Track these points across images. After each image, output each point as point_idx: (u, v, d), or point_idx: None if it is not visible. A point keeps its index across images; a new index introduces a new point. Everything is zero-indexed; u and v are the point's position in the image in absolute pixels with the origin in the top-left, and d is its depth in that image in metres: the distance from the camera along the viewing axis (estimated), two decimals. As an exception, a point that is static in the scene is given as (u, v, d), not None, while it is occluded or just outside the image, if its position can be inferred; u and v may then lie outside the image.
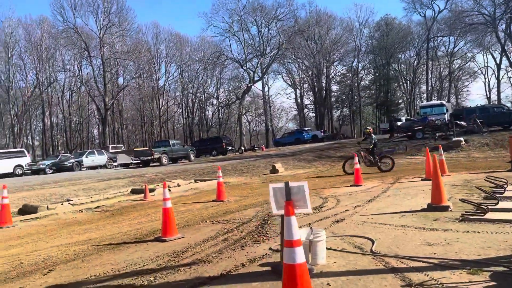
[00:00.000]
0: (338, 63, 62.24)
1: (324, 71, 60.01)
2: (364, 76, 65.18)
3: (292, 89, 64.91)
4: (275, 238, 5.42)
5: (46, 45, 49.70)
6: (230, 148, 34.28)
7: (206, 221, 7.13)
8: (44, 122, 56.70)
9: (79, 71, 53.87)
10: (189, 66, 60.56)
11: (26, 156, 27.84)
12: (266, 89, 54.79)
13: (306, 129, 44.81)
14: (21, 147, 39.55)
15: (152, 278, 4.14)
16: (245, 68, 45.90)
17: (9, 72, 48.27)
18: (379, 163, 13.54)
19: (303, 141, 39.90)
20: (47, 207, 9.70)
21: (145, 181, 14.52)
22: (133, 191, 12.28)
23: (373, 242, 4.73)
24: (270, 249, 4.86)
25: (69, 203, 10.34)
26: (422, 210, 6.39)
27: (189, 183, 13.65)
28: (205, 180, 13.98)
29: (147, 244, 5.79)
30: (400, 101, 64.63)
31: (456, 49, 57.12)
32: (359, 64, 62.03)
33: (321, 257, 4.10)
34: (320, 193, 9.31)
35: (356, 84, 61.84)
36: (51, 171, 25.93)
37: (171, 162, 25.53)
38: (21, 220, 8.60)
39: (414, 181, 10.17)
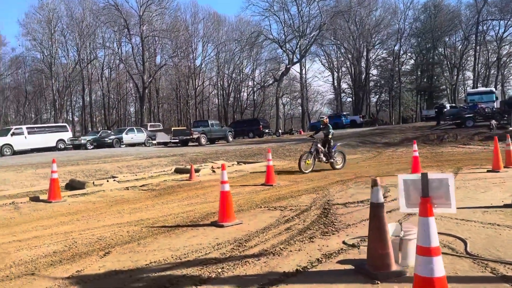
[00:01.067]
0: (379, 47, 60.05)
1: (364, 54, 58.04)
2: (405, 60, 62.62)
3: (330, 72, 63.33)
4: (344, 230, 4.93)
5: (87, 22, 50.39)
6: (267, 130, 33.75)
7: (261, 207, 6.72)
8: (84, 99, 57.97)
9: (118, 49, 54.55)
10: (225, 46, 60.11)
11: (68, 131, 28.39)
12: (303, 71, 53.72)
13: (344, 113, 43.62)
14: (62, 122, 40.55)
15: (219, 270, 3.75)
16: (284, 49, 44.79)
17: (52, 48, 49.34)
18: (332, 159, 11.42)
19: (341, 126, 38.85)
20: (93, 183, 9.58)
21: (188, 160, 14.28)
22: (177, 171, 12.05)
23: (465, 242, 4.15)
24: (344, 243, 4.38)
25: (114, 180, 10.20)
26: (506, 206, 5.70)
27: (232, 164, 13.30)
28: (249, 163, 13.58)
29: (204, 229, 5.44)
30: (443, 87, 61.81)
31: (506, 34, 53.91)
32: (401, 48, 59.56)
33: (413, 258, 3.57)
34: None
35: (396, 68, 59.52)
36: (91, 147, 26.35)
37: (208, 143, 25.33)
38: (69, 196, 8.49)
39: (479, 172, 9.35)
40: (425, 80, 60.53)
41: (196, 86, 60.71)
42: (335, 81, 63.66)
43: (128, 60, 51.45)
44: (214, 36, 60.26)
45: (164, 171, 11.85)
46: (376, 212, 3.39)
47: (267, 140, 27.15)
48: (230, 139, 27.25)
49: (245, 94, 66.91)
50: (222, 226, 5.43)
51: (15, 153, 23.94)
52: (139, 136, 28.38)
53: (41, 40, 51.31)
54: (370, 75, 60.75)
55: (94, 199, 8.39)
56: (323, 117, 12.70)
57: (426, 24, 56.44)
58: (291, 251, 4.22)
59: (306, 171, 10.87)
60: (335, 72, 63.37)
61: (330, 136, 11.47)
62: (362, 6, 50.17)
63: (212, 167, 12.46)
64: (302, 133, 34.48)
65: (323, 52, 59.95)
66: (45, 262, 4.31)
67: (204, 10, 62.20)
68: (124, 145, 27.14)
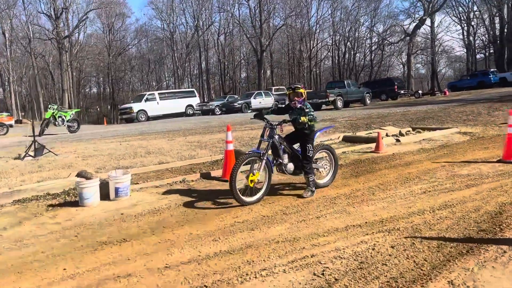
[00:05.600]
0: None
1: (508, -2, 48.61)
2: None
3: (459, 26, 54.84)
4: None
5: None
6: (402, 91, 29.80)
7: None
8: (201, 66, 58.89)
9: (232, 13, 53.64)
10: (342, 2, 55.73)
11: (196, 96, 28.15)
12: (434, 25, 47.02)
13: (491, 70, 37.14)
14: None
15: None
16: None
17: (172, 15, 50.29)
18: (310, 166, 5.16)
19: (488, 84, 33.10)
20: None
21: (347, 126, 12.00)
22: (345, 139, 9.84)
23: None
24: None
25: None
26: None
27: (408, 131, 10.65)
28: (428, 129, 10.76)
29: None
30: None
31: None
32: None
33: None
34: None
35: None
36: (219, 112, 25.62)
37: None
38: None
39: None
40: None
41: (311, 48, 57.69)
42: (466, 36, 55.08)
43: (244, 23, 50.26)
44: (329, -8, 56.04)
45: (331, 139, 9.71)
46: None
47: (410, 102, 23.54)
48: (368, 101, 24.19)
49: (361, 54, 61.86)
50: None
51: (148, 118, 24.15)
52: (267, 100, 26.89)
53: (161, 9, 52.74)
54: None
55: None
56: (297, 85, 5.27)
57: None
58: None
59: (249, 200, 4.79)
60: (468, 25, 54.65)
61: (308, 124, 5.05)
62: None
63: (387, 134, 10.01)
64: (447, 93, 29.69)
65: (451, 3, 51.73)
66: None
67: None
68: (250, 110, 25.90)
